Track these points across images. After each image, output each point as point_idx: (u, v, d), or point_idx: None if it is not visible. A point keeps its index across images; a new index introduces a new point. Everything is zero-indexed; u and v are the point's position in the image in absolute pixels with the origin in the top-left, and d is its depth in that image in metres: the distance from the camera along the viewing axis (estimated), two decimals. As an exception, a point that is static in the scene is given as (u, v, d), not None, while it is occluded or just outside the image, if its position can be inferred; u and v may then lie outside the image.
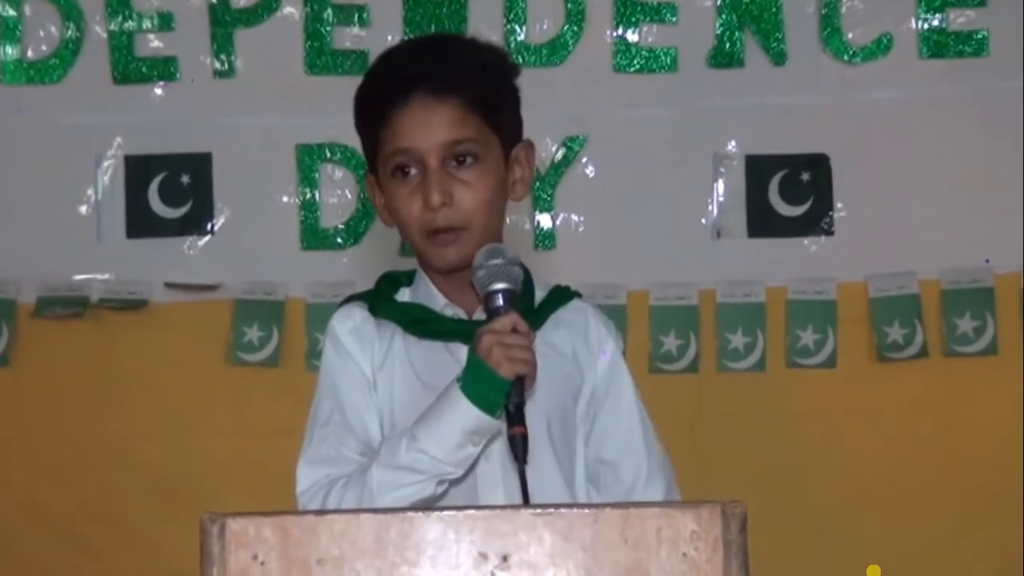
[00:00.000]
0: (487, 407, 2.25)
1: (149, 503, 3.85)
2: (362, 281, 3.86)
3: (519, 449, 2.21)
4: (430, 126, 2.36)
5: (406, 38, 3.93)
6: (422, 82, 2.36)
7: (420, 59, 2.42)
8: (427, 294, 2.45)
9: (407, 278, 2.51)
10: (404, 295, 2.49)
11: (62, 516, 3.87)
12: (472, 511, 1.77)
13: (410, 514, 1.78)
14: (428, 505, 2.25)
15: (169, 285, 3.90)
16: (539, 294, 2.49)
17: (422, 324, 2.44)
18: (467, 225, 2.37)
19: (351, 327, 2.46)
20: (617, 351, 2.51)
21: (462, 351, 2.34)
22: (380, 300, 2.48)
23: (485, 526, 1.75)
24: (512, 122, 2.48)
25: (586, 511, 1.76)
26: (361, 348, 2.44)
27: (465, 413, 2.26)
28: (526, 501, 2.17)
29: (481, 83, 2.41)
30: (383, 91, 2.40)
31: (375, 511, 1.91)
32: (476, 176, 2.38)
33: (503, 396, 2.24)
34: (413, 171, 2.38)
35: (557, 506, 1.79)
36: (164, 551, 3.77)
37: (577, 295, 2.54)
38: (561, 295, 2.52)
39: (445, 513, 1.77)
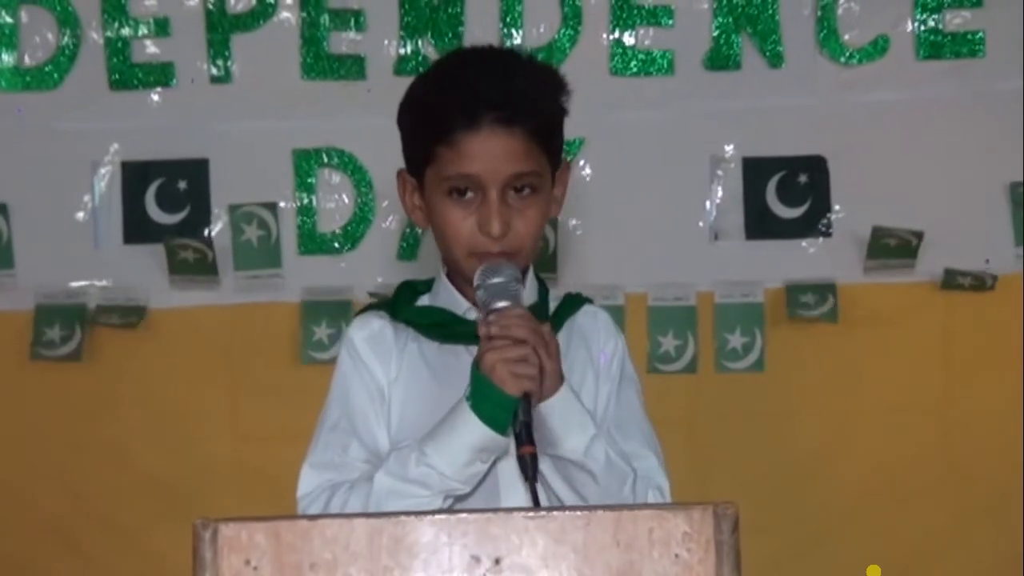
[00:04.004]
0: (495, 425, 2.26)
1: (144, 507, 3.85)
2: (359, 286, 3.88)
3: (528, 468, 2.22)
4: (497, 156, 2.35)
5: (402, 41, 3.95)
6: (492, 108, 2.35)
7: (489, 81, 2.40)
8: (448, 299, 2.46)
9: (425, 286, 2.53)
10: (423, 302, 2.50)
11: (57, 519, 3.87)
12: (464, 515, 1.77)
13: (402, 518, 1.78)
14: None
15: (168, 247, 3.89)
16: (552, 304, 2.51)
17: (444, 328, 2.45)
18: (519, 251, 2.39)
19: (367, 335, 2.47)
20: (619, 354, 2.52)
21: None
22: (401, 304, 2.49)
23: (477, 529, 1.75)
24: (560, 144, 2.49)
25: (578, 513, 1.76)
26: (377, 356, 2.45)
27: (474, 431, 2.27)
28: None
29: (546, 112, 2.42)
30: (449, 108, 2.38)
31: (368, 515, 1.90)
32: (532, 206, 2.39)
33: (510, 413, 2.25)
34: (470, 194, 2.38)
35: (549, 509, 1.79)
36: (159, 556, 3.77)
37: (588, 301, 2.56)
38: (573, 302, 2.54)
39: (437, 517, 1.78)
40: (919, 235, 3.85)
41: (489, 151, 2.35)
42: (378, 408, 2.43)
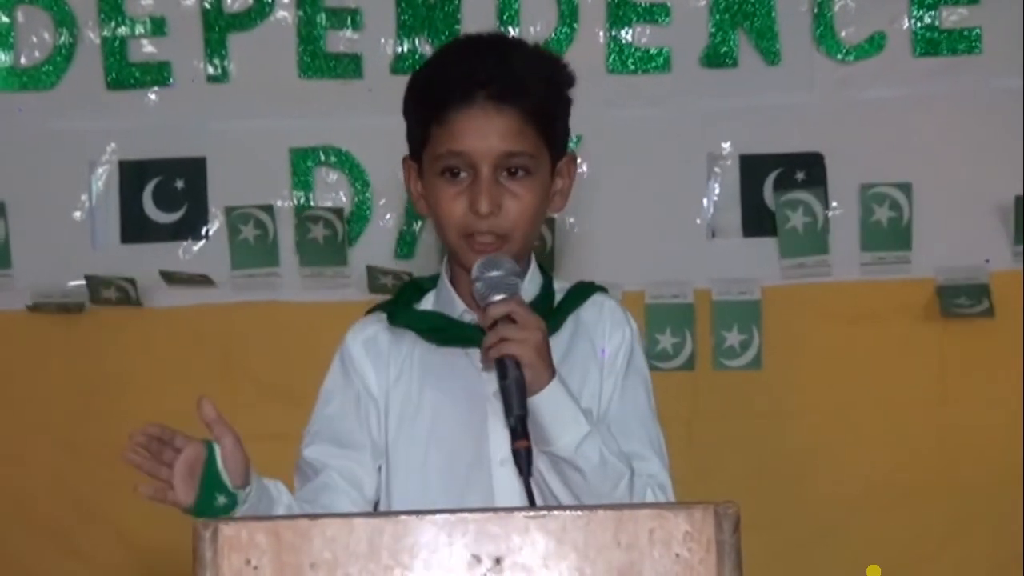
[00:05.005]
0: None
1: (144, 507, 3.81)
2: (357, 285, 3.87)
3: (523, 462, 2.21)
4: (488, 133, 2.35)
5: (399, 40, 3.95)
6: (485, 86, 2.35)
7: (484, 61, 2.40)
8: (447, 300, 2.46)
9: (432, 283, 2.52)
10: (429, 300, 2.50)
11: (54, 518, 3.88)
12: (465, 514, 1.77)
13: (403, 517, 1.77)
14: None
15: (163, 273, 3.89)
16: (559, 295, 2.49)
17: (440, 332, 2.45)
18: (509, 235, 2.37)
19: (363, 339, 2.48)
20: (627, 345, 2.49)
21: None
22: (400, 308, 2.49)
23: (478, 529, 1.75)
24: (562, 134, 2.47)
25: (579, 513, 1.76)
26: (372, 361, 2.46)
27: None
28: None
29: (542, 95, 2.40)
30: (443, 87, 2.38)
31: (368, 515, 1.91)
32: (525, 189, 2.38)
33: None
34: (463, 174, 2.37)
35: (550, 508, 1.79)
36: (157, 555, 3.77)
37: (601, 289, 2.54)
38: (579, 294, 2.51)
39: (438, 516, 1.77)
40: (905, 187, 3.85)
41: (480, 128, 2.35)
42: (359, 411, 2.44)
